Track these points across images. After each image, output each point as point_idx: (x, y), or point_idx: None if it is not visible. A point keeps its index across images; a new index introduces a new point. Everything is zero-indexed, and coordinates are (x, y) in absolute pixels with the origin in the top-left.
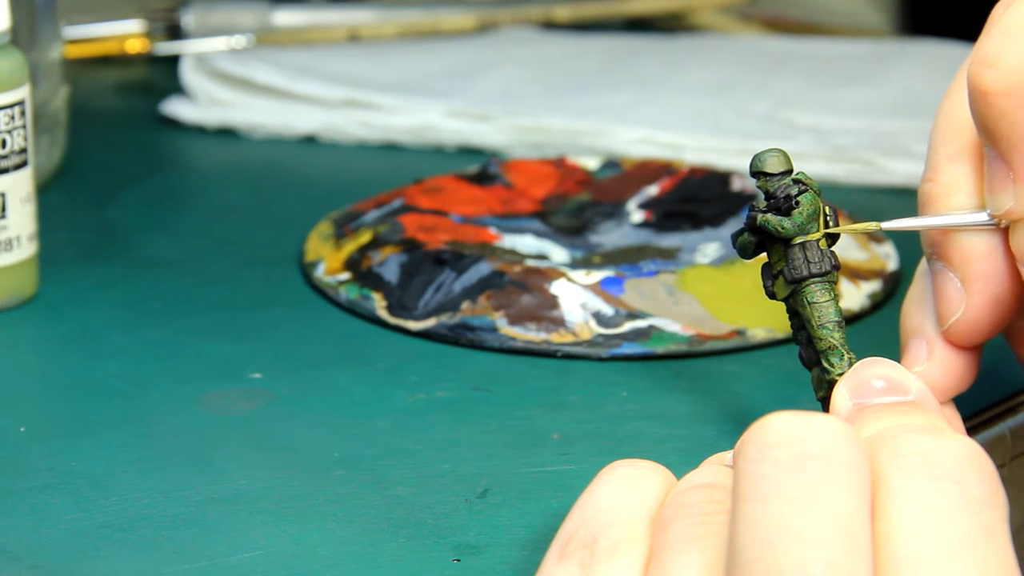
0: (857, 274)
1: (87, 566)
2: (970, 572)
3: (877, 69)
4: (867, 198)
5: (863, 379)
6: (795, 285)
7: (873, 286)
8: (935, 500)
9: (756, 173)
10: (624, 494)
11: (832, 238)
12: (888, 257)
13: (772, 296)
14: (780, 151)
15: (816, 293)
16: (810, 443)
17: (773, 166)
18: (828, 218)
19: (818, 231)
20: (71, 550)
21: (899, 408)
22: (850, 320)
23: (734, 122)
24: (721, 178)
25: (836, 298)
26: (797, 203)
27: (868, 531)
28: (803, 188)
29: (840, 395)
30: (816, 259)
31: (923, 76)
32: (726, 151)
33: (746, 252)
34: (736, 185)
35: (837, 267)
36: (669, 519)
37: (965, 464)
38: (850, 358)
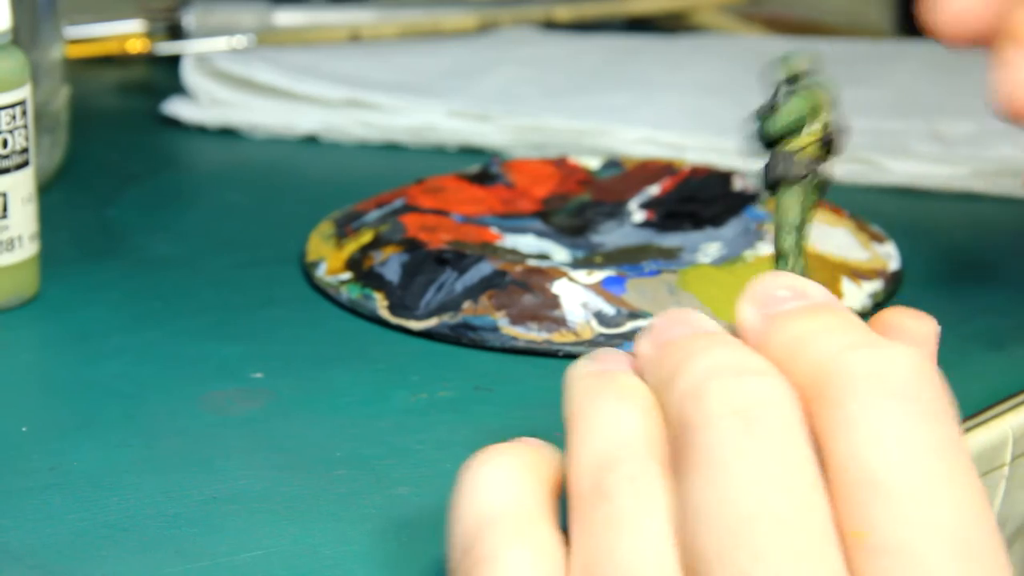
0: (858, 274)
1: (88, 566)
2: (942, 483)
3: (877, 69)
4: (867, 198)
5: (766, 290)
6: (771, 190)
7: (874, 286)
8: (896, 421)
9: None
10: (622, 420)
11: (827, 148)
12: (889, 257)
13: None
14: (804, 54)
15: (785, 196)
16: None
17: (788, 69)
18: (828, 129)
19: (807, 138)
20: (72, 550)
21: (811, 309)
22: None
23: (735, 122)
24: (722, 178)
25: (806, 207)
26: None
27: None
28: (792, 92)
29: (745, 309)
30: (790, 163)
31: (923, 76)
32: (727, 151)
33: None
34: (737, 185)
35: (815, 174)
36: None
37: (919, 378)
38: (796, 266)
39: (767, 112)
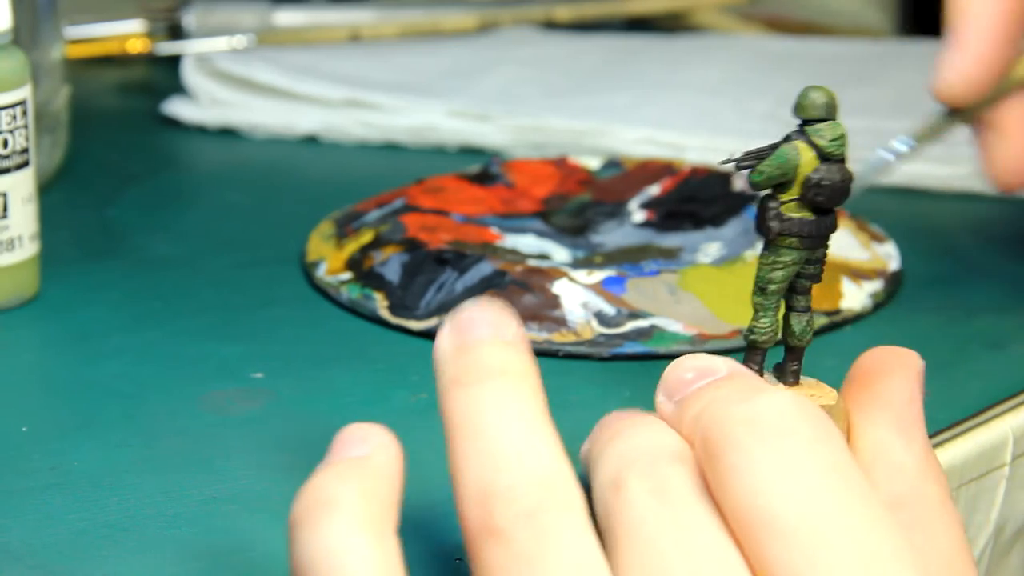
0: (858, 274)
1: (89, 566)
2: (831, 506)
3: (877, 69)
4: (867, 197)
5: (674, 378)
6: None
7: (875, 286)
8: (774, 459)
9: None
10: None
11: (821, 212)
12: (889, 257)
13: None
14: (823, 93)
15: (763, 251)
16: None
17: (802, 110)
18: (813, 191)
19: (790, 192)
20: (73, 550)
21: (713, 386)
22: (852, 320)
23: (735, 122)
24: (723, 178)
25: (780, 265)
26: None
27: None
28: (777, 146)
29: (659, 401)
30: (767, 220)
31: (923, 76)
32: (727, 151)
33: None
34: (737, 185)
35: (785, 233)
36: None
37: (786, 414)
38: (757, 325)
39: (758, 158)
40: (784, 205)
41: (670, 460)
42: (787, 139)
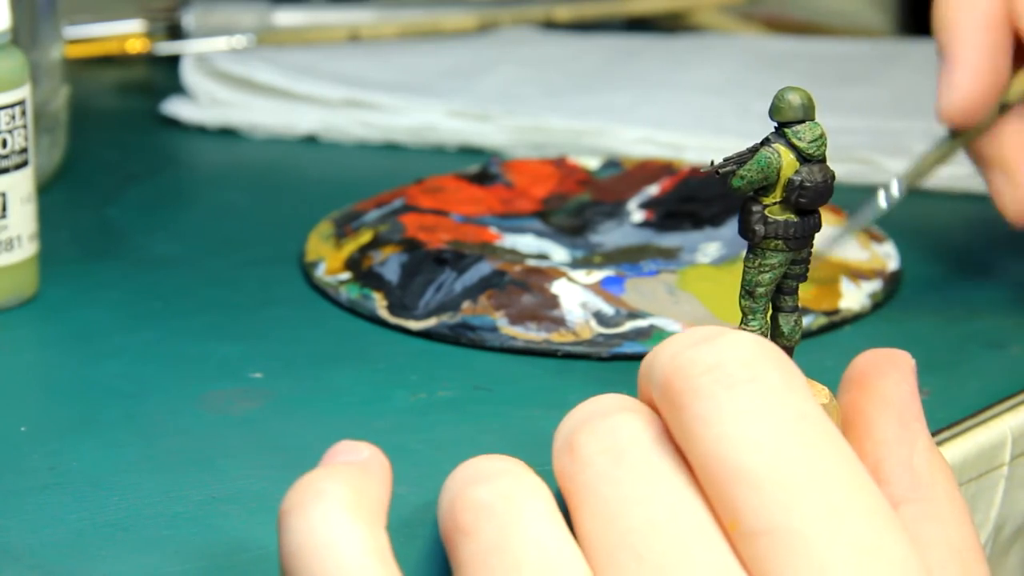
0: (858, 274)
1: (88, 566)
2: (797, 454)
3: (877, 69)
4: (867, 198)
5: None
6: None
7: (874, 286)
8: (740, 407)
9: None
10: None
11: (804, 212)
12: (888, 257)
13: None
14: (800, 94)
15: (748, 254)
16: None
17: (779, 112)
18: (796, 193)
19: (772, 195)
20: (72, 550)
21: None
22: (851, 320)
23: (735, 122)
24: (722, 178)
25: (766, 268)
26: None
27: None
28: (756, 149)
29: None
30: (752, 224)
31: (923, 76)
32: (727, 151)
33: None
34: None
35: (770, 236)
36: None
37: (754, 360)
38: (747, 328)
39: (738, 163)
40: (767, 208)
41: (620, 414)
42: (766, 142)
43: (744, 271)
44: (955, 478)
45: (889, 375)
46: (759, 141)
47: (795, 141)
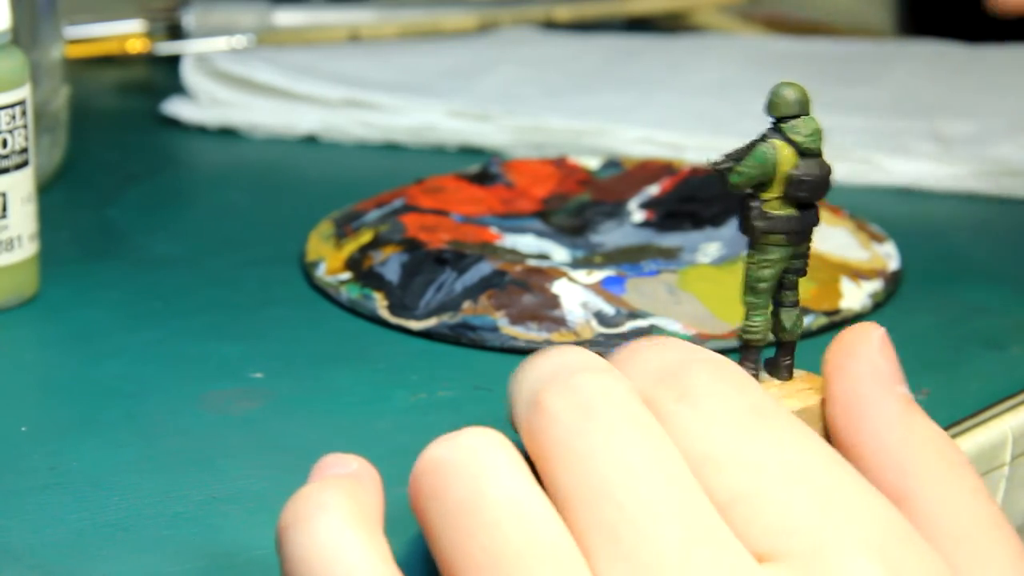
0: (858, 274)
1: (88, 566)
2: (763, 444)
3: (877, 69)
4: (867, 197)
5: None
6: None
7: (874, 285)
8: (711, 410)
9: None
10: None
11: (804, 207)
12: (889, 257)
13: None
14: (795, 89)
15: (750, 250)
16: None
17: (775, 108)
18: (795, 187)
19: (771, 190)
20: (73, 550)
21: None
22: (851, 320)
23: (735, 122)
24: (720, 175)
25: (767, 263)
26: (739, 158)
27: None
28: (753, 145)
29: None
30: (752, 220)
31: (923, 76)
32: (727, 151)
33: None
34: None
35: (771, 232)
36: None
37: (713, 378)
38: (751, 324)
39: (736, 159)
40: (766, 204)
41: (586, 373)
42: (763, 138)
43: (746, 267)
44: (939, 428)
45: (855, 338)
46: (756, 137)
47: (792, 136)
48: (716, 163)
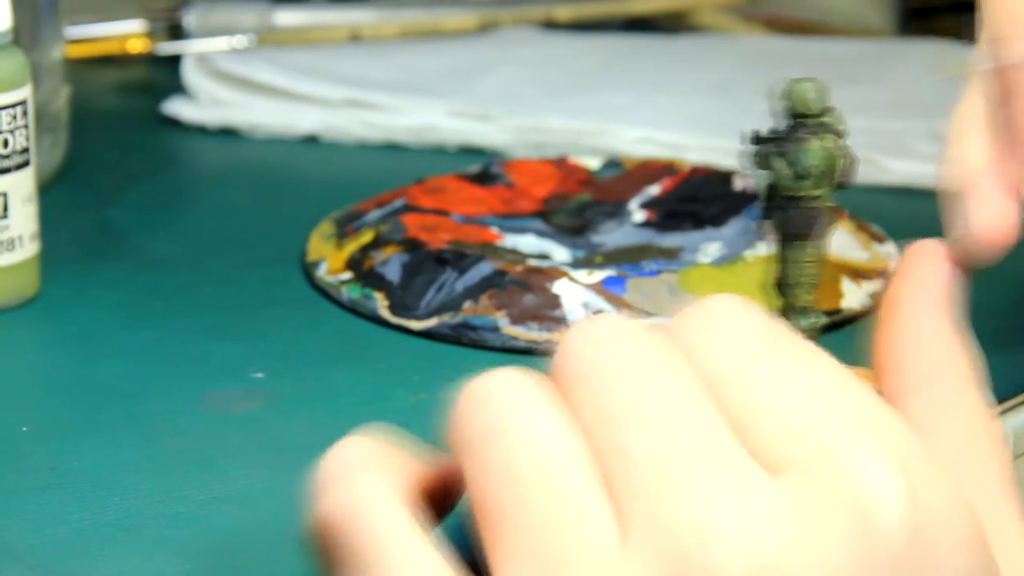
0: (858, 273)
1: (89, 566)
2: (779, 362)
3: (877, 69)
4: (867, 197)
5: None
6: (784, 243)
7: (874, 285)
8: (727, 330)
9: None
10: None
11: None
12: (889, 257)
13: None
14: (815, 84)
15: (803, 251)
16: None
17: (807, 104)
18: (842, 172)
19: (825, 189)
20: (73, 550)
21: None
22: (851, 319)
23: (735, 122)
24: (723, 178)
25: (819, 259)
26: (798, 157)
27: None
28: (807, 137)
29: None
30: (813, 221)
31: (923, 76)
32: (727, 151)
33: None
34: (738, 185)
35: (830, 226)
36: None
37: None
38: (815, 321)
39: (779, 154)
40: (820, 199)
41: (611, 323)
42: (810, 134)
43: (800, 268)
44: (978, 377)
45: (921, 267)
46: (787, 134)
47: (840, 126)
48: (757, 159)
